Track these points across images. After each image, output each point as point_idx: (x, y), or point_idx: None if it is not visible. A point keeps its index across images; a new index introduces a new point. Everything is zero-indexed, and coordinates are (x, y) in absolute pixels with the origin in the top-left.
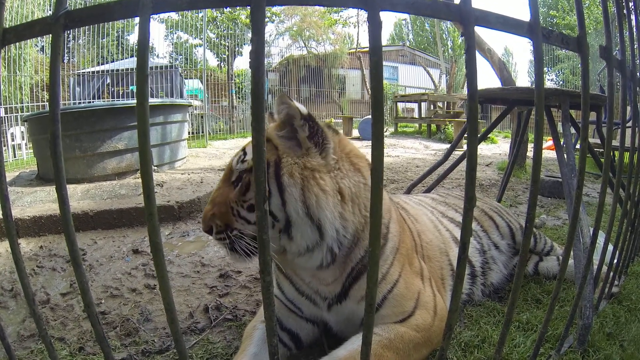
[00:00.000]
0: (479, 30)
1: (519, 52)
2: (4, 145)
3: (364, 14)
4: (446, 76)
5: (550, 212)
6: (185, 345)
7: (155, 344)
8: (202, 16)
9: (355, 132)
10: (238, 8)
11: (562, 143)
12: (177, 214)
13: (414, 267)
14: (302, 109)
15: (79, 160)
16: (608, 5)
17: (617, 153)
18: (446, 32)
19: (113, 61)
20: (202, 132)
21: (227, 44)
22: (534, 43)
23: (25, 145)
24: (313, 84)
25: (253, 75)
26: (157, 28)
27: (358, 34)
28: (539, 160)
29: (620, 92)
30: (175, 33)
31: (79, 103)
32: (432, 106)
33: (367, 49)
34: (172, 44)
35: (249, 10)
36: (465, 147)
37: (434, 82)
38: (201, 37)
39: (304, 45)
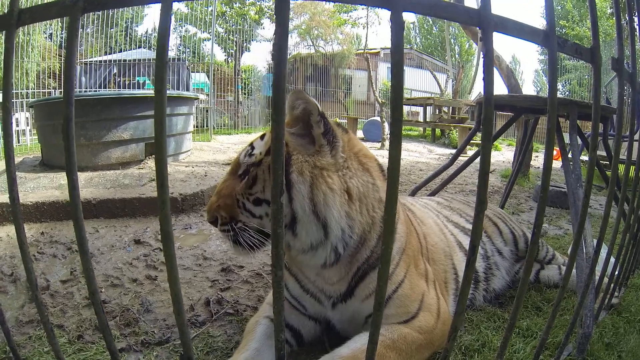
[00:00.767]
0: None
1: (525, 62)
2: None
3: (373, 15)
4: (452, 81)
5: (552, 222)
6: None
7: (155, 335)
8: (212, 10)
9: (360, 134)
10: (247, 3)
11: (568, 152)
12: (180, 206)
13: (419, 269)
14: (319, 106)
15: (83, 148)
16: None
17: (621, 166)
18: (454, 38)
19: (121, 51)
20: (207, 126)
21: (235, 39)
22: (549, 51)
23: (30, 131)
24: (319, 83)
25: (275, 66)
26: None
27: (367, 35)
28: (549, 167)
29: (630, 104)
30: (184, 26)
31: (85, 92)
32: (437, 110)
33: (375, 50)
34: (180, 37)
35: (258, 7)
36: (470, 152)
37: (440, 86)
38: (210, 31)
39: (311, 44)
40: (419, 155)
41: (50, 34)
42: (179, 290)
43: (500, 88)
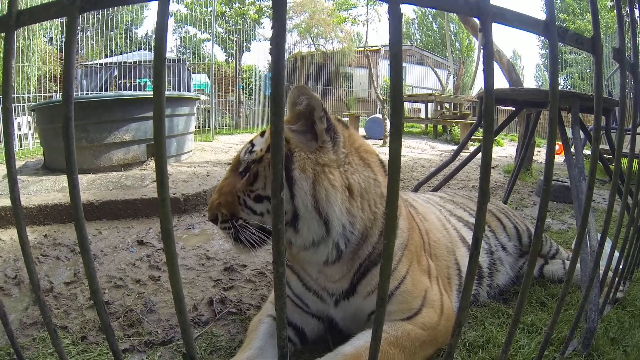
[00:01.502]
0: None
1: (526, 56)
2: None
3: (373, 13)
4: (454, 77)
5: (556, 217)
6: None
7: (158, 335)
8: (211, 10)
9: (362, 131)
10: (247, 3)
11: (571, 145)
12: (183, 206)
13: (421, 265)
14: (322, 102)
15: (85, 150)
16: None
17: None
18: (454, 34)
19: (121, 54)
20: (209, 127)
21: (235, 39)
22: (550, 42)
23: (32, 135)
24: (320, 81)
25: (274, 60)
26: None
27: (367, 32)
28: (552, 159)
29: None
30: (184, 27)
31: (86, 95)
32: (438, 107)
33: (376, 48)
34: (180, 38)
35: (257, 6)
36: (472, 148)
37: (441, 82)
38: (209, 31)
39: (312, 43)
40: (421, 151)
41: (51, 38)
42: (181, 288)
43: (501, 82)
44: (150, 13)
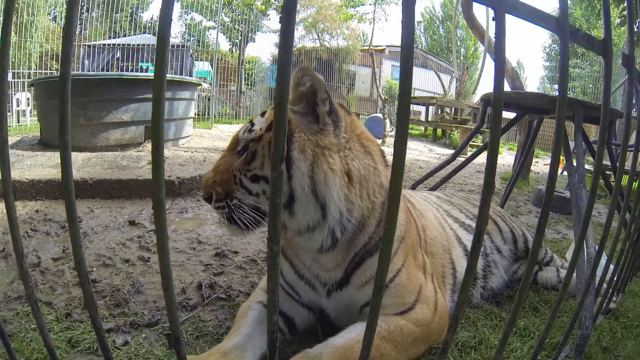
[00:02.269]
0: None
1: (529, 68)
2: (9, 111)
3: (380, 11)
4: (456, 82)
5: (551, 226)
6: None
7: (144, 316)
8: None
9: None
10: None
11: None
12: (177, 189)
13: (417, 260)
14: (324, 82)
15: (83, 128)
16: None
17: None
18: (460, 39)
19: (125, 36)
20: (208, 114)
21: (240, 28)
22: (561, 40)
23: (30, 111)
24: (323, 77)
25: (283, 29)
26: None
27: (373, 30)
28: (557, 160)
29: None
30: (190, 14)
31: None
32: (439, 110)
33: (380, 47)
34: (185, 25)
35: None
36: (469, 154)
37: (443, 87)
38: (215, 19)
39: (317, 38)
40: (419, 153)
41: (55, 17)
42: (169, 263)
43: (504, 89)
44: None
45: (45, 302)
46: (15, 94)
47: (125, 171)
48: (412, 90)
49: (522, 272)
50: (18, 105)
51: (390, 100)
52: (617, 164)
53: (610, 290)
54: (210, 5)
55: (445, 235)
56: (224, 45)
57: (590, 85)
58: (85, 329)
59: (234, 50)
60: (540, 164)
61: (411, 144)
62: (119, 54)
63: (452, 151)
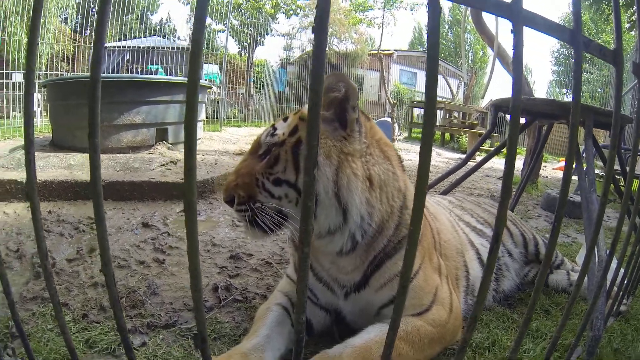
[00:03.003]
0: (505, 44)
1: (537, 72)
2: (18, 112)
3: (389, 16)
4: (464, 87)
5: (560, 230)
6: (194, 322)
7: (161, 318)
8: (228, 2)
9: None
10: None
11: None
12: None
13: (433, 262)
14: (356, 87)
15: None
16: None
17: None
18: (468, 44)
19: (134, 39)
20: (217, 117)
21: (249, 32)
22: (575, 50)
23: (40, 113)
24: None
25: (316, 37)
26: (180, 10)
27: (382, 35)
28: (571, 157)
29: None
30: None
31: None
32: (447, 115)
33: (389, 52)
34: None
35: (274, 1)
36: (479, 159)
37: (451, 91)
38: (224, 22)
39: None
40: None
41: (66, 18)
42: (198, 263)
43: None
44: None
45: (61, 303)
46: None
47: (137, 173)
48: (420, 94)
49: (533, 275)
50: None
51: (399, 104)
52: (627, 168)
53: (621, 293)
54: (220, 9)
55: (459, 239)
56: (233, 48)
57: (599, 90)
58: (103, 330)
59: (243, 53)
60: (549, 169)
61: (419, 148)
62: (128, 56)
63: (460, 155)
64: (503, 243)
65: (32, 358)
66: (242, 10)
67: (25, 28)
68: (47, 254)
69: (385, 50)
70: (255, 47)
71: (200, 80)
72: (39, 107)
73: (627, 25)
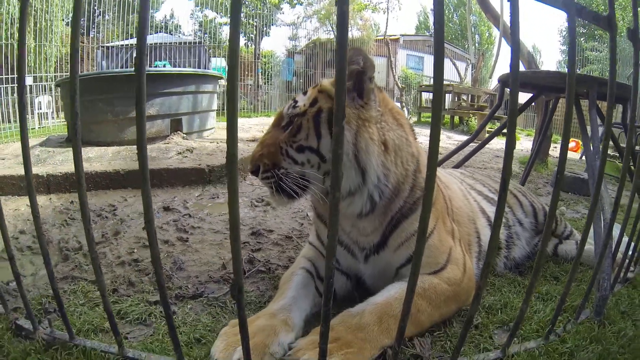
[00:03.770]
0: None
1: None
2: (30, 114)
3: (393, 1)
4: (472, 69)
5: (570, 206)
6: (221, 291)
7: (188, 289)
8: None
9: None
10: None
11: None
12: (207, 177)
13: (446, 225)
14: (373, 60)
15: (110, 124)
16: None
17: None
18: (474, 26)
19: None
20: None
21: (255, 23)
22: (568, 16)
23: (52, 113)
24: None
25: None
26: (184, 5)
27: (387, 20)
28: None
29: None
30: (203, 12)
31: None
32: (456, 98)
33: (395, 37)
34: (198, 22)
35: None
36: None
37: (459, 74)
38: (228, 15)
39: (331, 29)
40: None
41: (68, 21)
42: (237, 214)
43: None
44: None
45: (91, 280)
46: (37, 96)
47: (155, 162)
48: (428, 79)
49: None
50: (39, 108)
51: (407, 89)
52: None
53: (627, 260)
54: (224, 2)
55: (470, 207)
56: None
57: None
58: (133, 302)
59: (249, 45)
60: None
61: (429, 132)
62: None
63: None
64: (514, 213)
65: (70, 328)
66: (247, 2)
67: (32, 33)
68: (89, 217)
69: (391, 35)
70: (262, 39)
71: (212, 71)
72: (49, 108)
73: None
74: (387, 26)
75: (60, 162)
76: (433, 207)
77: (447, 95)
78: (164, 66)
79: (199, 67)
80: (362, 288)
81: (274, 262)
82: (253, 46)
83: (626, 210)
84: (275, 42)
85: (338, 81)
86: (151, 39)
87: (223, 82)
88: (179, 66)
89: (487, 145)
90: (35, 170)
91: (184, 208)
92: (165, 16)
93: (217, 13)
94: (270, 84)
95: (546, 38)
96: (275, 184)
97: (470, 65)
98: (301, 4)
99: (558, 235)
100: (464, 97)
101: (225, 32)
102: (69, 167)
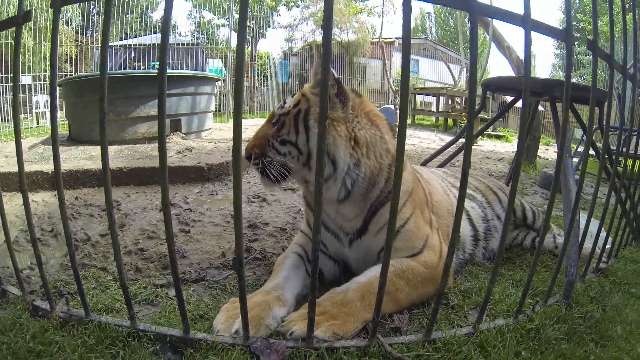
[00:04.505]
0: (500, 27)
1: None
2: (29, 113)
3: (388, 4)
4: (466, 72)
5: (553, 205)
6: (221, 276)
7: (191, 274)
8: None
9: None
10: None
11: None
12: (207, 175)
13: (424, 215)
14: (335, 74)
15: (111, 123)
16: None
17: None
18: (468, 29)
19: (136, 37)
20: (223, 110)
21: (251, 25)
22: (525, 31)
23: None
24: (334, 70)
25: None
26: (181, 6)
27: (382, 23)
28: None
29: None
30: (200, 13)
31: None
32: (450, 101)
33: (390, 40)
34: (195, 23)
35: None
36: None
37: (453, 77)
38: (226, 17)
39: None
40: (430, 142)
41: (67, 20)
42: (240, 195)
43: None
44: None
45: (100, 267)
46: (34, 96)
47: (156, 160)
48: (423, 81)
49: (521, 238)
50: (37, 108)
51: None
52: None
53: (600, 250)
54: (221, 3)
55: (450, 202)
56: (235, 41)
57: (601, 72)
58: (141, 285)
59: (246, 46)
60: (551, 151)
61: (422, 134)
62: (133, 54)
63: (462, 140)
64: (492, 208)
65: (87, 306)
66: None
67: (31, 33)
68: (111, 191)
69: (386, 38)
70: (258, 40)
71: (210, 74)
72: (46, 107)
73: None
74: (382, 29)
75: (64, 159)
76: (410, 197)
77: (441, 98)
78: None
79: (196, 68)
80: (348, 272)
81: (269, 250)
82: (249, 48)
83: (591, 202)
84: (272, 44)
85: (322, 92)
86: (148, 39)
87: (220, 82)
88: (176, 67)
89: (478, 147)
90: (40, 167)
91: (185, 203)
92: (162, 16)
93: (215, 14)
94: (266, 86)
95: (539, 42)
96: (261, 169)
97: (464, 69)
98: (298, 7)
99: (536, 229)
100: (458, 99)
101: (222, 34)
102: (73, 165)
